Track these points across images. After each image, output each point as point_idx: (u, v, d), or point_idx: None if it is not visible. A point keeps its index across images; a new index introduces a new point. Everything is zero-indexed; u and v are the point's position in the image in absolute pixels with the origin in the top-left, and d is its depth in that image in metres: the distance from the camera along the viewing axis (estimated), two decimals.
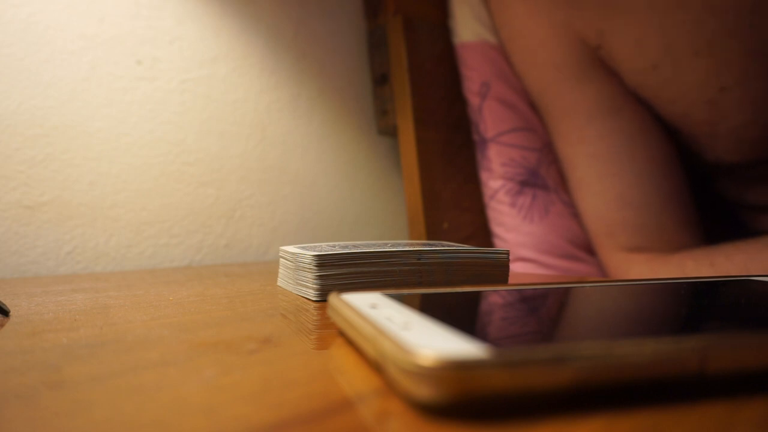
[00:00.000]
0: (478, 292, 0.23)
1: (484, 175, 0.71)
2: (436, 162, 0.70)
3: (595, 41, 0.60)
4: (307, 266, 0.32)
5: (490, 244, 0.72)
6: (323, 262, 0.31)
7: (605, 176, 0.62)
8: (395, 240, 0.65)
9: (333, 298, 0.21)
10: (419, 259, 0.33)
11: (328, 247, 0.35)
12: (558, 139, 0.66)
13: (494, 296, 0.22)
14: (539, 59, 0.64)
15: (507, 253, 0.36)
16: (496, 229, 0.70)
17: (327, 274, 0.31)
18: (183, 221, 0.62)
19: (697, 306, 0.22)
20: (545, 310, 0.20)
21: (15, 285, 0.41)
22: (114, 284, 0.40)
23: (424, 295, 0.22)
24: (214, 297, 0.33)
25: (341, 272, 0.32)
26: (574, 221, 0.69)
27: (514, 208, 0.68)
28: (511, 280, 0.42)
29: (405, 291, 0.22)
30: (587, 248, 0.69)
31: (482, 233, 0.72)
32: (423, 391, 0.13)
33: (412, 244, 0.39)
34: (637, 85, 0.60)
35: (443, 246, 0.37)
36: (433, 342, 0.14)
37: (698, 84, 0.56)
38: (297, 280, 0.34)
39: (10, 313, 0.27)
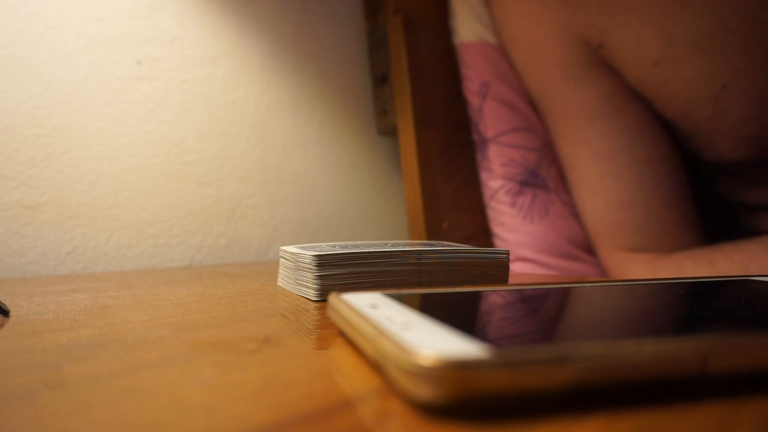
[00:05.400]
0: (478, 292, 0.23)
1: (484, 175, 0.71)
2: (436, 162, 0.70)
3: (596, 40, 0.60)
4: (307, 266, 0.32)
5: (490, 244, 0.72)
6: (323, 262, 0.31)
7: (606, 176, 0.62)
8: (395, 240, 0.65)
9: (333, 298, 0.21)
10: (419, 259, 0.33)
11: (328, 247, 0.35)
12: (559, 138, 0.66)
13: (494, 296, 0.22)
14: (540, 59, 0.64)
15: (507, 253, 0.36)
16: (496, 229, 0.70)
17: (327, 274, 0.31)
18: (183, 221, 0.62)
19: (697, 306, 0.22)
20: (545, 310, 0.20)
21: (15, 285, 0.41)
22: (114, 284, 0.40)
23: (424, 295, 0.22)
24: (214, 297, 0.33)
25: (341, 272, 0.32)
26: (574, 221, 0.69)
27: (514, 208, 0.68)
28: (511, 280, 0.42)
29: (405, 291, 0.22)
30: (587, 248, 0.69)
31: (482, 233, 0.72)
32: (423, 391, 0.13)
33: (412, 244, 0.39)
34: (639, 84, 0.60)
35: (443, 246, 0.37)
36: (433, 342, 0.14)
37: (699, 81, 0.56)
38: (297, 280, 0.34)
39: (10, 313, 0.27)
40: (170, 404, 0.14)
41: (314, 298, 0.31)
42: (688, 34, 0.55)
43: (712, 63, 0.55)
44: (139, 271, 0.53)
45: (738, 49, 0.54)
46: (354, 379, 0.16)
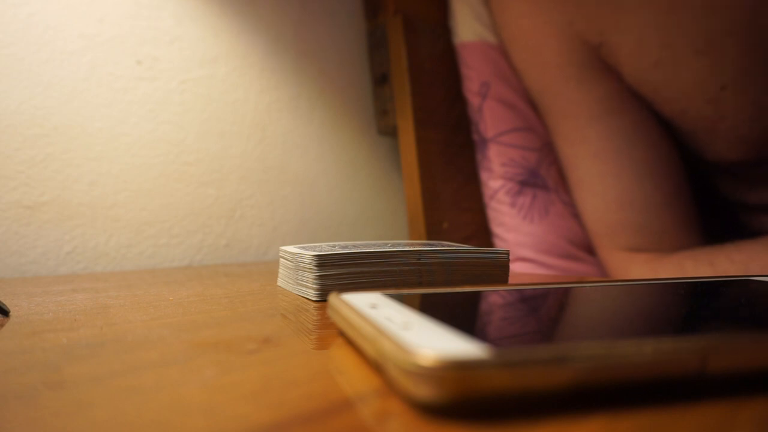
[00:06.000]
0: (478, 292, 0.23)
1: (484, 175, 0.71)
2: (436, 162, 0.70)
3: (596, 40, 0.60)
4: (307, 266, 0.32)
5: (490, 244, 0.72)
6: (323, 262, 0.31)
7: (606, 176, 0.62)
8: (395, 240, 0.65)
9: (333, 298, 0.21)
10: (419, 259, 0.33)
11: (328, 247, 0.35)
12: (559, 138, 0.66)
13: (494, 296, 0.22)
14: (541, 59, 0.64)
15: (507, 253, 0.36)
16: (496, 229, 0.70)
17: (327, 274, 0.31)
18: (183, 221, 0.62)
19: (697, 306, 0.22)
20: (545, 310, 0.20)
21: (15, 285, 0.41)
22: (114, 284, 0.40)
23: (424, 295, 0.22)
24: (214, 297, 0.33)
25: (341, 272, 0.32)
26: (574, 221, 0.69)
27: (514, 208, 0.68)
28: (511, 280, 0.42)
29: (405, 291, 0.22)
30: (587, 248, 0.69)
31: (482, 233, 0.72)
32: (423, 391, 0.13)
33: (412, 244, 0.39)
34: (638, 84, 0.60)
35: (443, 246, 0.37)
36: (433, 342, 0.14)
37: (698, 82, 0.56)
38: (297, 280, 0.34)
39: (10, 313, 0.27)
40: (170, 404, 0.14)
41: (314, 298, 0.31)
42: (688, 35, 0.55)
43: (711, 64, 0.55)
44: (139, 271, 0.53)
45: (738, 50, 0.54)
46: (354, 379, 0.16)
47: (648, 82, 0.59)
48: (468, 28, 0.71)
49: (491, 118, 0.69)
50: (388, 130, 0.77)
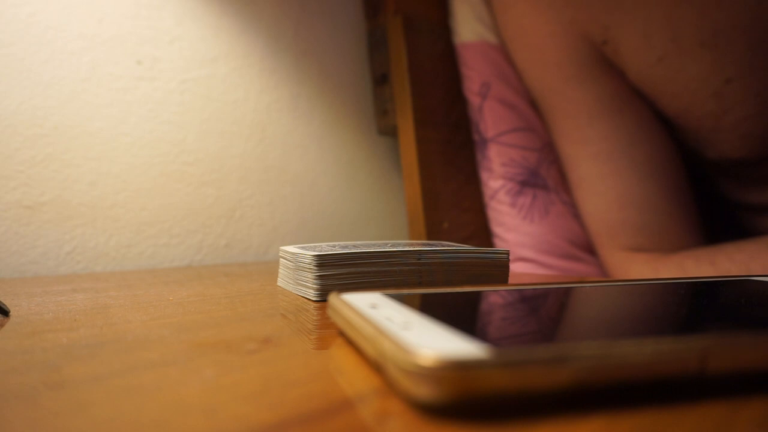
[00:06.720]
0: (478, 292, 0.23)
1: (484, 175, 0.71)
2: (436, 162, 0.70)
3: (600, 37, 0.60)
4: (307, 266, 0.32)
5: (490, 244, 0.72)
6: (323, 262, 0.31)
7: (606, 176, 0.62)
8: (395, 240, 0.65)
9: (333, 298, 0.21)
10: (419, 259, 0.33)
11: (328, 247, 0.35)
12: (559, 138, 0.66)
13: (494, 296, 0.22)
14: (542, 58, 0.64)
15: (507, 253, 0.36)
16: (496, 229, 0.70)
17: (327, 274, 0.31)
18: (183, 221, 0.62)
19: (697, 306, 0.22)
20: (545, 310, 0.20)
21: (15, 285, 0.41)
22: (114, 284, 0.40)
23: (424, 295, 0.22)
24: (214, 297, 0.33)
25: (341, 272, 0.32)
26: (575, 221, 0.69)
27: (514, 208, 0.68)
28: (511, 280, 0.42)
29: (405, 291, 0.22)
30: (587, 248, 0.69)
31: (482, 233, 0.72)
32: (423, 391, 0.13)
33: (412, 244, 0.39)
34: (642, 81, 0.60)
35: (443, 246, 0.37)
36: (433, 342, 0.14)
37: (703, 76, 0.56)
38: (297, 280, 0.34)
39: (10, 313, 0.27)
40: (170, 404, 0.14)
41: (314, 298, 0.31)
42: (693, 29, 0.54)
43: (716, 57, 0.54)
44: (139, 271, 0.53)
45: (740, 44, 0.53)
46: (354, 379, 0.16)
47: (652, 78, 0.59)
48: (468, 28, 0.71)
49: (491, 118, 0.69)
50: (388, 130, 0.77)
